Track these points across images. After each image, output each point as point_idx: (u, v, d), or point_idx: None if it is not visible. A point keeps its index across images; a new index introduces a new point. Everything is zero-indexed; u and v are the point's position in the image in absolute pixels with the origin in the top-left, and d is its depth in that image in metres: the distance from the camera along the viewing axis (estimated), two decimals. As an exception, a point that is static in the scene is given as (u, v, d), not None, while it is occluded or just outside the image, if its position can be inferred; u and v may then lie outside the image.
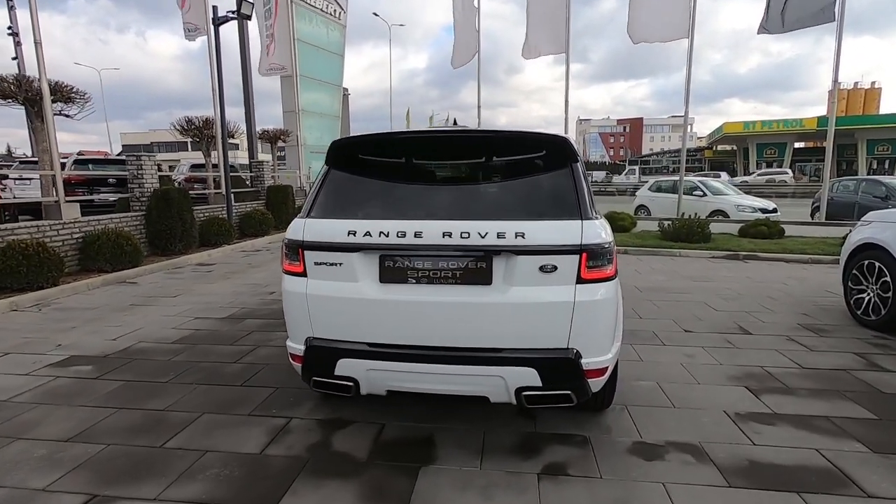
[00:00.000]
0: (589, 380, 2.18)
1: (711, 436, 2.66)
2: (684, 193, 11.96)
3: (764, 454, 2.49)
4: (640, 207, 14.03)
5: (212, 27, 9.12)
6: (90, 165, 11.10)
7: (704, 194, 12.69)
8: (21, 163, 13.42)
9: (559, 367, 2.12)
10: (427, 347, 2.16)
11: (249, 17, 10.00)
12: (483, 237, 2.08)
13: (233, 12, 9.37)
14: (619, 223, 10.91)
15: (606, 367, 2.24)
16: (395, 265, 2.18)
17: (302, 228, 2.26)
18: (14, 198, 10.43)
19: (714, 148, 57.98)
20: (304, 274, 2.26)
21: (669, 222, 9.76)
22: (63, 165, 12.43)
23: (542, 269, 2.09)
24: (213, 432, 2.74)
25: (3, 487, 2.26)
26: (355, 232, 2.17)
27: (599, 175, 61.45)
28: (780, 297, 5.76)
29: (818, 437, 2.66)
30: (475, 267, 2.13)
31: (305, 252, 2.24)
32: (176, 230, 8.57)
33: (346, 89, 19.67)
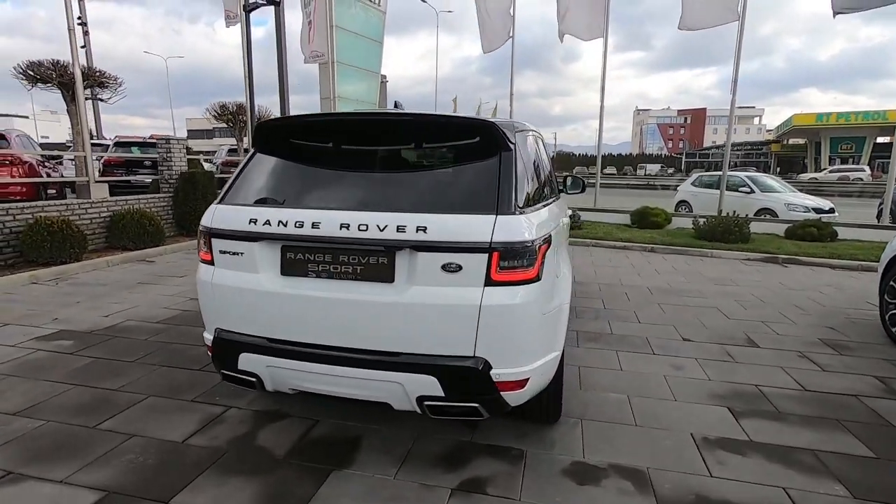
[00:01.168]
0: (503, 393, 1.97)
1: (665, 462, 2.37)
2: (729, 189, 11.08)
3: (718, 488, 2.19)
4: (682, 203, 13.19)
5: (243, 13, 9.30)
6: (132, 148, 11.68)
7: (752, 191, 11.72)
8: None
9: (463, 377, 1.92)
10: (325, 347, 2.02)
11: (279, 4, 10.09)
12: (382, 230, 1.90)
13: (262, -2, 9.50)
14: (651, 219, 10.30)
15: (526, 379, 2.01)
16: (296, 257, 2.04)
17: (211, 215, 2.17)
18: (62, 176, 11.12)
19: (783, 142, 53.84)
20: (212, 262, 2.17)
21: (704, 220, 9.08)
22: (107, 147, 13.18)
23: (444, 267, 1.88)
24: (150, 416, 2.74)
25: (-66, 456, 2.34)
26: (256, 220, 2.05)
27: (654, 168, 58.66)
28: (808, 306, 5.19)
29: (792, 473, 2.31)
30: (377, 263, 1.95)
31: (213, 240, 2.14)
32: (200, 212, 8.84)
33: (384, 76, 19.65)
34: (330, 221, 1.94)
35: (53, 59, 7.11)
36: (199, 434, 2.56)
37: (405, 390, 1.94)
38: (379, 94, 18.33)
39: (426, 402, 1.96)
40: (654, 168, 50.85)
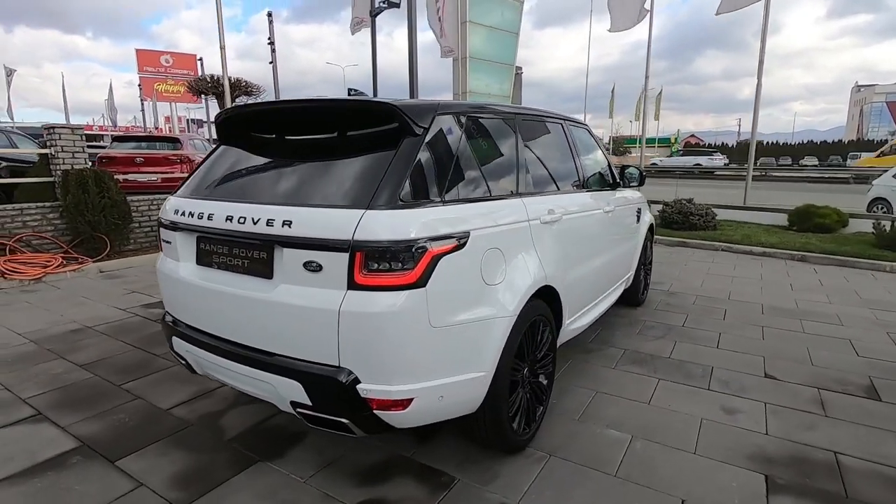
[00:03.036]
0: (379, 412, 1.73)
1: (617, 530, 1.86)
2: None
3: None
4: (877, 202, 10.27)
5: (366, 17, 9.98)
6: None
7: None
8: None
9: (325, 387, 1.73)
10: (219, 338, 2.01)
11: (398, 6, 10.56)
12: (255, 224, 1.81)
13: (384, 1, 10.03)
14: (816, 220, 8.26)
15: (410, 400, 1.74)
16: (206, 248, 2.07)
17: (164, 206, 2.33)
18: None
19: None
20: (161, 249, 2.34)
21: (890, 223, 6.95)
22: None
23: (306, 266, 1.72)
24: (165, 382, 3.09)
25: None
26: (178, 211, 2.14)
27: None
28: None
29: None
30: (258, 257, 1.87)
31: (160, 229, 2.30)
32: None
33: (519, 68, 19.22)
34: (220, 213, 1.94)
35: (211, 75, 8.53)
36: (183, 405, 2.82)
37: (278, 392, 1.84)
38: (513, 87, 18.06)
39: (298, 409, 1.84)
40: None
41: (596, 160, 3.57)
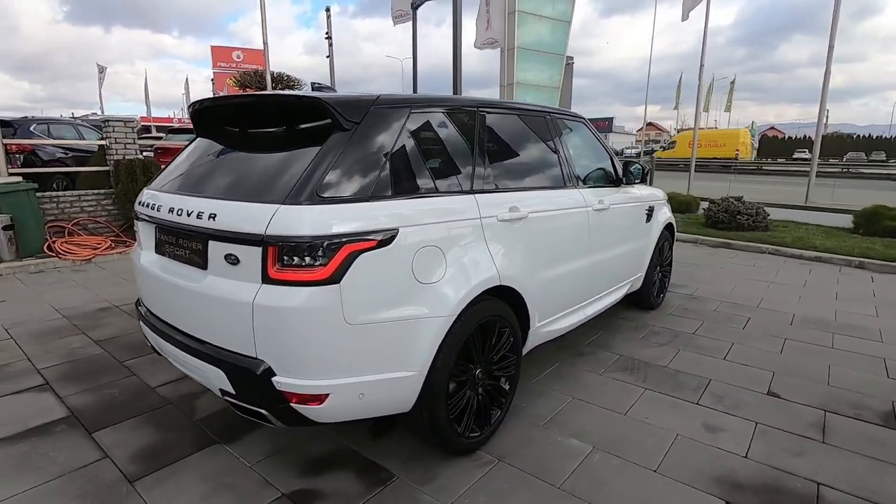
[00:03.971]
0: (296, 405, 1.75)
1: (539, 544, 1.78)
2: None
3: None
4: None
5: (406, 10, 10.01)
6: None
7: None
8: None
9: (243, 377, 1.76)
10: (168, 325, 2.11)
11: (438, -3, 10.52)
12: (189, 216, 1.87)
13: (424, -6, 10.03)
14: (886, 224, 7.41)
15: (325, 395, 1.74)
16: (161, 238, 2.17)
17: (138, 197, 2.46)
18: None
19: None
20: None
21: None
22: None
23: (227, 258, 1.75)
24: (162, 361, 3.30)
25: None
26: (142, 202, 2.25)
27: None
28: None
29: None
30: (196, 248, 1.93)
31: (135, 220, 2.44)
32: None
33: (570, 58, 18.56)
34: (167, 206, 2.02)
35: (255, 69, 8.91)
36: (170, 384, 2.99)
37: (210, 380, 1.91)
38: (563, 77, 17.50)
39: (225, 397, 1.90)
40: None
41: (593, 156, 3.39)
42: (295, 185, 1.70)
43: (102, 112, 38.55)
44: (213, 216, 1.79)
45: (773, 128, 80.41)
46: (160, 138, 10.93)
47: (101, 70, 37.48)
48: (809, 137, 59.10)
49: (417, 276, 1.91)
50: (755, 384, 3.03)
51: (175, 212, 1.96)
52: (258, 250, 1.67)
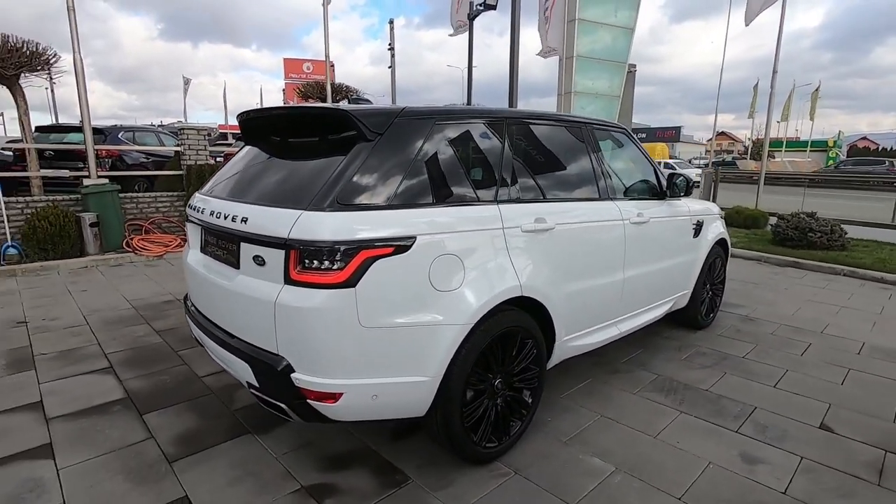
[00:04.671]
0: (312, 401, 1.83)
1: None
2: None
3: None
4: None
5: (465, 20, 10.15)
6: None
7: None
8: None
9: (266, 372, 1.86)
10: (206, 318, 2.27)
11: (494, 7, 10.55)
12: (226, 219, 2.01)
13: (482, 4, 10.12)
14: None
15: (339, 394, 1.81)
16: (206, 238, 2.34)
17: (190, 201, 2.67)
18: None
19: None
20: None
21: None
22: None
23: (254, 259, 1.87)
24: (209, 353, 3.55)
25: (98, 346, 3.64)
26: (191, 206, 2.44)
27: None
28: None
29: None
30: (231, 249, 2.07)
31: (186, 221, 2.65)
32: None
33: (632, 66, 17.97)
34: (209, 209, 2.19)
35: (316, 80, 9.36)
36: (213, 375, 3.20)
37: (239, 373, 2.04)
38: (625, 85, 16.98)
39: (251, 390, 2.01)
40: None
41: (634, 167, 3.29)
42: (318, 192, 1.80)
43: (186, 120, 41.90)
44: (244, 219, 1.93)
45: (864, 137, 73.60)
46: (230, 145, 11.70)
47: (187, 82, 40.64)
48: (907, 148, 53.60)
49: (434, 283, 1.94)
50: (806, 416, 2.80)
51: (216, 215, 2.12)
52: (281, 253, 1.78)
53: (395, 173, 1.93)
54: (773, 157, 42.86)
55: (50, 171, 7.43)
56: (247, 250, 1.94)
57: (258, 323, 1.89)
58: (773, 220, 8.71)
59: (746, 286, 5.65)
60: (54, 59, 6.77)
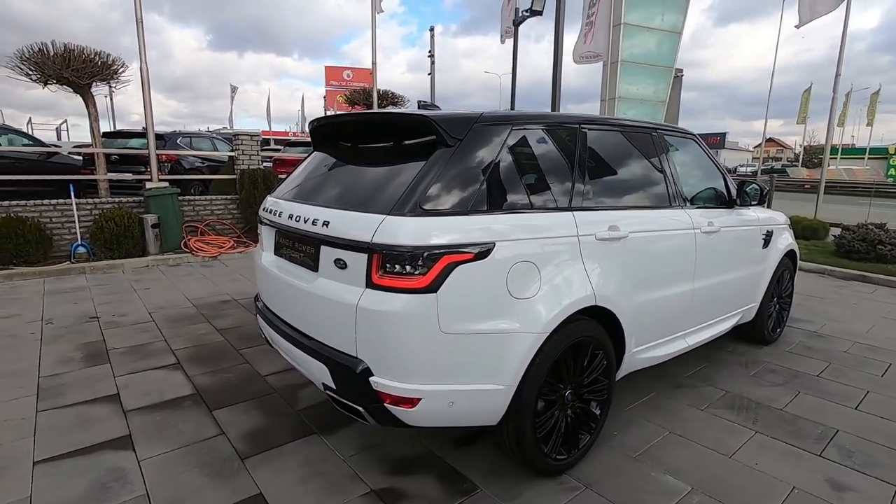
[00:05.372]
0: (389, 406, 1.83)
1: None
2: None
3: None
4: None
5: (512, 27, 10.15)
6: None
7: None
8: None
9: (344, 374, 1.87)
10: (281, 319, 2.31)
11: (541, 13, 10.48)
12: (306, 223, 2.04)
13: (527, 10, 10.09)
14: None
15: (417, 399, 1.80)
16: (280, 241, 2.39)
17: (262, 204, 2.74)
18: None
19: None
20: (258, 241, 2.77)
21: None
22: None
23: (336, 263, 1.88)
24: (268, 353, 3.63)
25: (165, 342, 3.79)
26: (265, 208, 2.50)
27: None
28: None
29: None
30: (309, 251, 2.10)
31: (258, 224, 2.72)
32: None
33: (679, 70, 17.43)
34: (287, 212, 2.23)
35: (362, 87, 9.54)
36: (275, 375, 3.27)
37: (314, 374, 2.06)
38: (671, 91, 16.52)
39: (327, 391, 2.03)
40: None
41: (703, 175, 3.18)
42: (400, 197, 1.81)
43: (232, 127, 43.59)
44: (326, 223, 1.96)
45: (928, 145, 69.02)
46: (278, 150, 12.06)
47: (234, 90, 42.21)
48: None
49: (512, 290, 1.92)
50: (892, 440, 2.62)
51: (294, 218, 2.17)
52: (364, 257, 1.80)
53: (473, 179, 1.93)
54: (828, 165, 40.73)
55: (115, 174, 7.83)
56: (327, 253, 1.97)
57: (337, 325, 1.91)
58: (834, 230, 8.26)
59: (810, 300, 5.36)
60: (122, 69, 7.16)
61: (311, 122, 2.57)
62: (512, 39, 12.97)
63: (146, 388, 3.05)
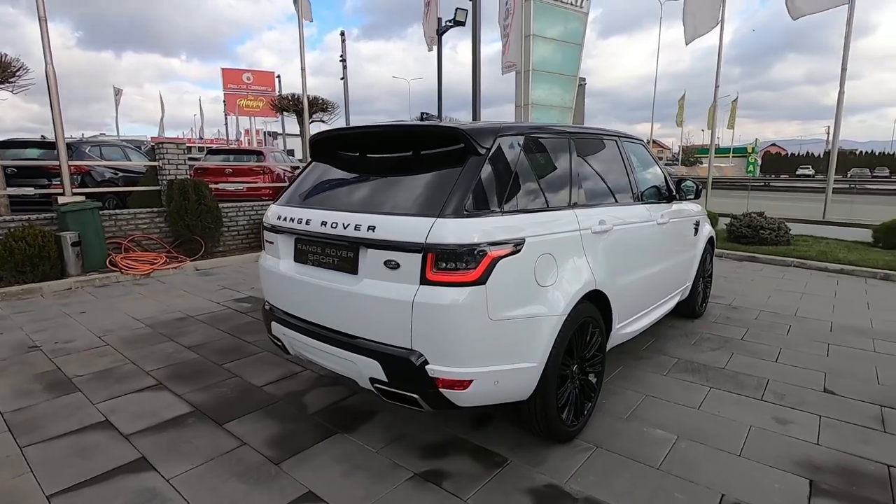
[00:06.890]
0: (443, 390, 2.03)
1: (655, 513, 2.03)
2: None
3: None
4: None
5: (436, 36, 10.52)
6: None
7: None
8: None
9: (399, 366, 2.04)
10: (311, 323, 2.40)
11: (464, 24, 11.04)
12: (345, 228, 2.17)
13: (451, 21, 10.55)
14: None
15: (469, 381, 2.02)
16: (302, 248, 2.47)
17: (266, 212, 2.77)
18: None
19: None
20: (263, 248, 2.78)
21: None
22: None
23: (386, 264, 2.05)
24: (255, 365, 3.57)
25: (134, 365, 3.57)
26: (280, 216, 2.56)
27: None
28: None
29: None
30: (345, 255, 2.23)
31: (264, 231, 2.75)
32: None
33: (582, 79, 19.15)
34: (316, 219, 2.33)
35: (291, 94, 9.35)
36: (273, 384, 3.26)
37: (359, 370, 2.19)
38: (576, 97, 18.05)
39: (375, 385, 2.17)
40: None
41: (652, 174, 3.71)
42: (446, 202, 2.01)
43: (118, 132, 39.41)
44: (371, 228, 2.09)
45: (774, 144, 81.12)
46: (196, 160, 11.34)
47: (118, 92, 38.27)
48: (811, 154, 59.69)
49: (538, 279, 2.20)
50: (811, 383, 3.29)
51: (328, 224, 2.26)
52: (418, 256, 1.97)
53: (502, 183, 2.18)
54: (701, 163, 46.42)
55: (16, 189, 6.96)
56: (374, 255, 2.10)
57: (389, 321, 2.06)
58: (724, 220, 9.61)
59: (717, 280, 6.27)
60: (22, 71, 6.41)
61: (316, 136, 2.66)
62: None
63: (136, 410, 2.90)
